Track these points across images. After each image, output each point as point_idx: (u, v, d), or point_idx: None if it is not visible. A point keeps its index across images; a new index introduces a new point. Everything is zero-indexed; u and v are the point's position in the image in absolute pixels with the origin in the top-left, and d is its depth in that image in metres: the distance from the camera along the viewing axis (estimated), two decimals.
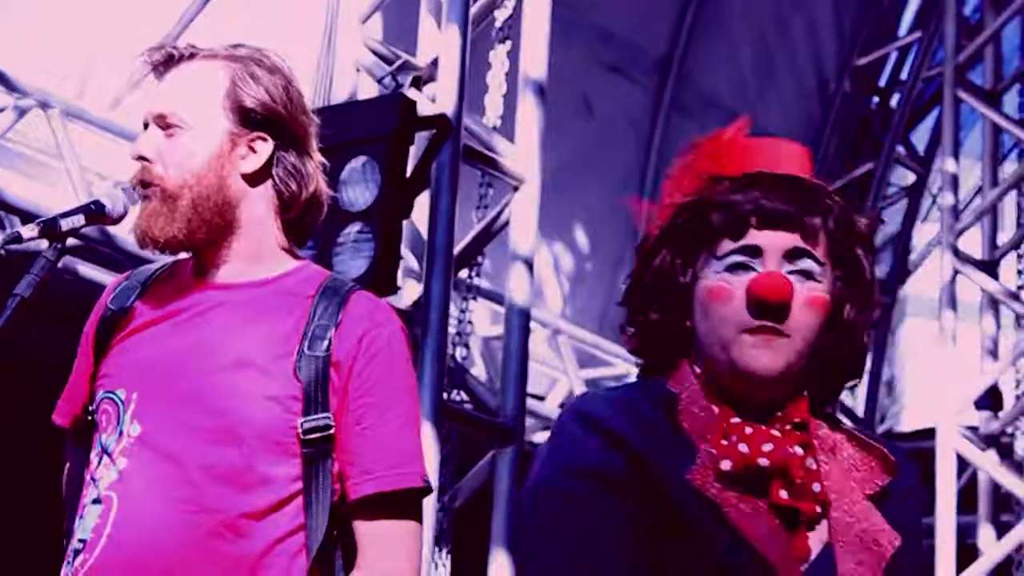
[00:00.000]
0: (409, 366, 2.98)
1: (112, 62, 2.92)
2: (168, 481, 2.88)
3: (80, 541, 2.91)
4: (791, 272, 2.42)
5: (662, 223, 2.55)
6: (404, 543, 2.90)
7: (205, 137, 2.97)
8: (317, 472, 2.89)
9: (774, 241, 2.44)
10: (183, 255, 3.03)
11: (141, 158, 2.94)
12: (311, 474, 2.89)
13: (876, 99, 12.22)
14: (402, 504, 2.90)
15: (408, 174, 5.94)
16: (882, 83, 12.26)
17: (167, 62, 3.01)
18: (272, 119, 2.98)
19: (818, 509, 2.39)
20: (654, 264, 2.53)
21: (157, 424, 2.90)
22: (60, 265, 2.93)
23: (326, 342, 2.90)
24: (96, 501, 2.92)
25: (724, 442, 2.41)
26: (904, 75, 12.20)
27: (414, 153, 6.04)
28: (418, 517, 2.94)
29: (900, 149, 12.22)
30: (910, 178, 12.40)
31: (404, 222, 6.06)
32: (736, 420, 2.43)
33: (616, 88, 10.44)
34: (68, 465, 3.10)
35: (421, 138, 6.04)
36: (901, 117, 12.11)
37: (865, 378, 12.12)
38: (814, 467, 2.41)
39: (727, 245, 2.45)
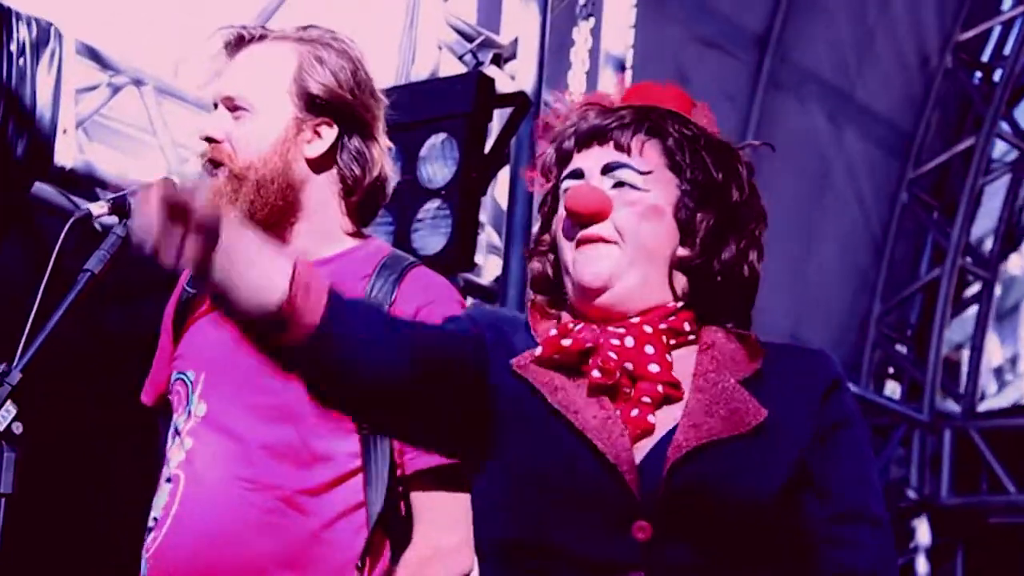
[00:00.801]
0: None
1: (205, 40, 2.95)
2: (230, 459, 2.93)
3: (153, 519, 2.98)
4: (612, 185, 2.44)
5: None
6: (456, 515, 2.88)
7: (271, 121, 3.01)
8: (374, 448, 2.93)
9: (589, 159, 2.47)
10: None
11: (209, 139, 2.99)
12: (368, 450, 2.93)
13: (979, 74, 12.07)
14: (457, 476, 2.88)
15: (487, 151, 5.93)
16: (985, 58, 12.12)
17: (238, 42, 3.06)
18: (337, 105, 3.02)
19: (660, 388, 2.36)
20: (543, 210, 2.59)
21: (220, 404, 2.96)
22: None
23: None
24: (168, 480, 2.98)
25: (552, 332, 2.42)
26: (1007, 50, 12.04)
27: (494, 130, 6.04)
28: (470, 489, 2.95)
29: (1003, 125, 12.06)
30: (1012, 155, 12.24)
31: (486, 198, 6.06)
32: (574, 324, 2.44)
33: (714, 64, 10.36)
34: (161, 442, 3.14)
35: (500, 115, 6.03)
36: (1004, 93, 11.94)
37: (965, 353, 12.04)
38: (658, 356, 2.39)
39: (562, 176, 2.50)
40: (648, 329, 2.42)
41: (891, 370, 11.91)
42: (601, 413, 2.33)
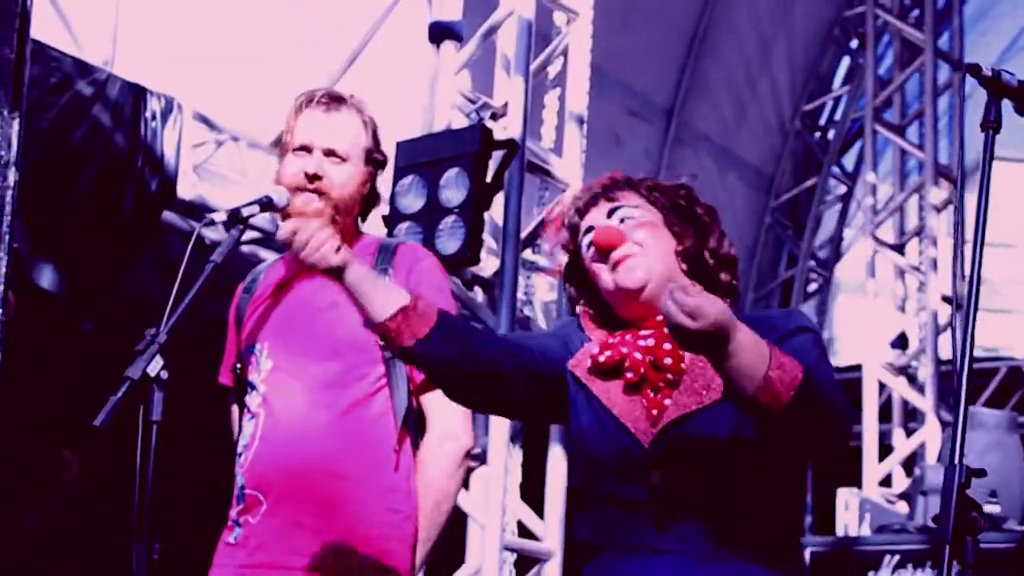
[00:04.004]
0: (444, 280, 3.02)
1: (281, 103, 2.92)
2: (295, 392, 2.90)
3: (242, 446, 2.94)
4: (618, 222, 2.45)
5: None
6: (455, 405, 2.83)
7: (355, 170, 3.00)
8: (394, 367, 2.91)
9: (593, 217, 2.49)
10: (265, 255, 3.20)
11: (315, 176, 2.95)
12: (390, 369, 2.91)
13: (818, 134, 12.00)
14: None
15: (488, 180, 5.80)
16: (822, 122, 12.06)
17: (328, 104, 3.01)
18: (378, 158, 3.07)
19: (668, 376, 2.34)
20: (567, 273, 2.56)
21: (282, 358, 2.94)
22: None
23: (387, 277, 2.91)
24: (251, 418, 2.94)
25: (594, 349, 2.42)
26: (837, 116, 12.01)
27: (492, 166, 5.90)
28: None
29: (835, 169, 12.04)
30: (841, 189, 12.19)
31: (486, 215, 5.96)
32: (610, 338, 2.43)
33: (636, 127, 10.30)
34: (234, 413, 3.09)
35: (497, 155, 5.89)
36: (836, 146, 11.95)
37: None
38: (672, 351, 2.35)
39: (580, 239, 2.50)
40: (667, 329, 2.27)
41: None
42: (628, 400, 2.34)
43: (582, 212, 2.49)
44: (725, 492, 2.27)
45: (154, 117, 6.20)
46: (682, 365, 2.33)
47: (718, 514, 2.26)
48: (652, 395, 2.32)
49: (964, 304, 2.21)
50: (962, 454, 2.13)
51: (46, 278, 5.70)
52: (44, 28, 5.97)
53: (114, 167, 5.98)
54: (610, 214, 2.44)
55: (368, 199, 3.07)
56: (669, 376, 2.32)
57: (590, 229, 2.45)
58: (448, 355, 2.32)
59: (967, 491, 2.13)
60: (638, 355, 2.34)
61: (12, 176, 2.70)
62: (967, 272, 2.21)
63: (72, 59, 5.90)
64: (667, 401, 2.31)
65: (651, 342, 2.35)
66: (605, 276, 2.41)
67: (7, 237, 2.82)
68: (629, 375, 2.34)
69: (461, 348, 2.33)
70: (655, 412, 2.31)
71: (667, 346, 2.33)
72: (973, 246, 2.21)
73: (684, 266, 2.42)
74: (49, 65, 5.72)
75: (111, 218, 5.96)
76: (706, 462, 2.27)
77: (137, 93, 6.10)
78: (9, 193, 2.76)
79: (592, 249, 2.43)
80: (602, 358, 2.37)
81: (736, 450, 2.27)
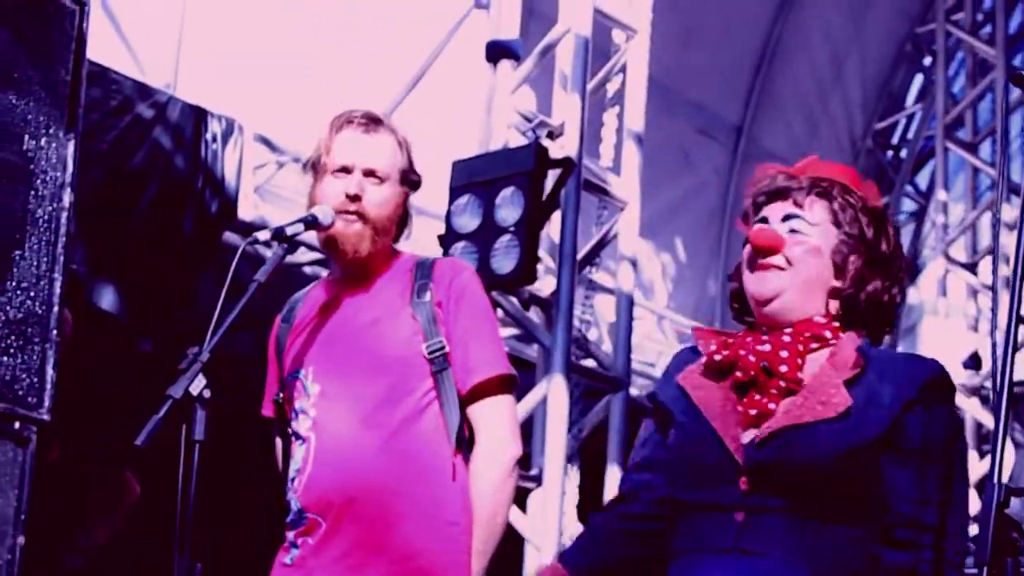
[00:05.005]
0: (485, 296, 3.02)
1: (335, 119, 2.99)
2: (345, 414, 2.89)
3: (294, 471, 2.93)
4: (787, 231, 2.41)
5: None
6: (504, 414, 2.93)
7: (393, 190, 2.99)
8: (443, 380, 2.89)
9: (773, 210, 2.45)
10: (323, 274, 3.20)
11: (356, 197, 2.93)
12: (439, 382, 2.89)
13: (890, 153, 11.81)
14: (497, 387, 2.92)
15: (544, 199, 5.80)
16: (894, 141, 11.84)
17: (368, 124, 3.00)
18: (413, 179, 3.05)
19: (782, 383, 2.32)
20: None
21: (328, 381, 2.93)
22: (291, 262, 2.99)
23: (428, 292, 2.93)
24: (301, 443, 2.93)
25: (712, 347, 2.43)
26: (910, 135, 11.77)
27: (548, 185, 5.90)
28: (510, 393, 2.96)
29: (908, 188, 11.82)
30: (914, 207, 11.96)
31: (544, 234, 5.96)
32: (728, 339, 2.43)
33: (705, 145, 10.19)
34: (279, 444, 3.08)
35: (553, 174, 5.89)
36: (908, 165, 11.72)
37: None
38: (789, 359, 2.34)
39: (752, 222, 2.48)
40: (787, 338, 2.34)
41: None
42: (725, 405, 2.33)
43: (769, 196, 2.45)
44: (813, 505, 2.27)
45: (215, 139, 6.26)
46: (800, 375, 2.33)
47: (801, 523, 2.25)
48: (757, 397, 2.32)
49: (1007, 322, 2.15)
50: (1000, 472, 2.08)
51: (106, 299, 5.76)
52: (107, 52, 6.06)
53: (174, 189, 6.05)
54: (785, 219, 2.42)
55: (403, 220, 3.06)
56: (782, 383, 2.32)
57: (763, 220, 2.43)
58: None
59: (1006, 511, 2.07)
60: (752, 358, 2.34)
61: (68, 197, 2.72)
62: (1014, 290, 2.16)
63: (133, 81, 5.98)
64: (772, 405, 2.30)
65: (767, 347, 2.35)
66: (746, 272, 2.43)
67: (62, 258, 2.84)
68: (739, 374, 2.34)
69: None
70: (754, 413, 2.31)
71: (784, 354, 2.34)
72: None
73: (832, 302, 2.41)
74: (110, 88, 5.79)
75: (171, 239, 6.02)
76: (800, 476, 2.26)
77: (198, 115, 6.17)
78: (64, 214, 2.78)
79: (748, 244, 2.42)
80: (718, 357, 2.37)
81: (833, 470, 2.26)
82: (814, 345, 2.36)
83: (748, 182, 2.54)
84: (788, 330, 2.36)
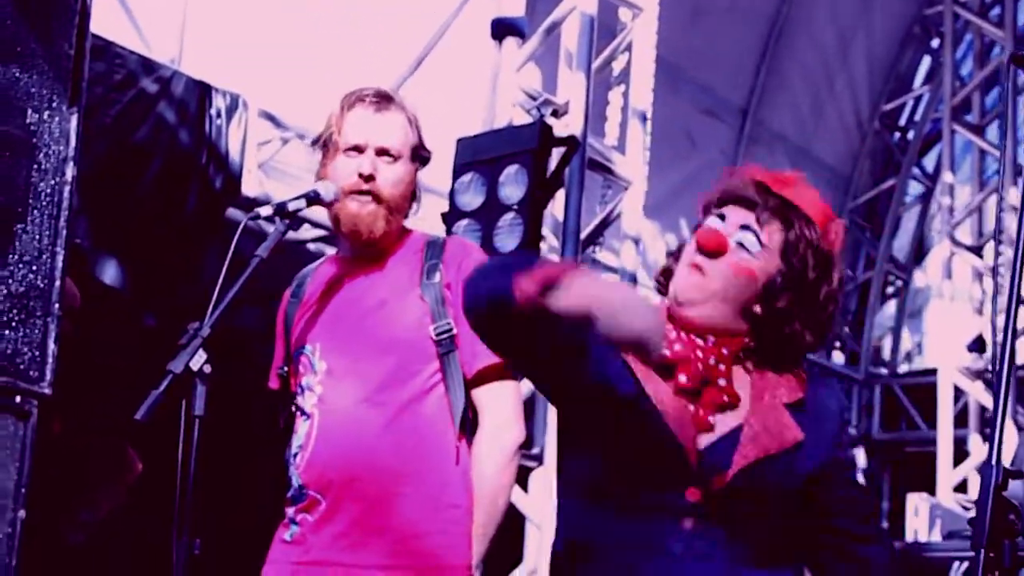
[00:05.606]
0: None
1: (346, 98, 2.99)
2: (350, 392, 2.88)
3: (297, 447, 2.93)
4: (737, 241, 2.37)
5: None
6: (508, 398, 2.94)
7: (406, 168, 2.97)
8: (450, 363, 2.89)
9: (735, 213, 2.39)
10: (329, 252, 3.19)
11: (369, 177, 2.92)
12: (445, 365, 2.89)
13: (897, 134, 11.77)
14: (502, 371, 2.90)
15: (548, 177, 5.77)
16: (902, 122, 11.81)
17: (380, 102, 2.97)
18: (423, 155, 3.04)
19: (725, 398, 2.32)
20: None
21: (336, 359, 2.92)
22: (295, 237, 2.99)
23: (438, 273, 2.91)
24: (306, 419, 2.92)
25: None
26: (917, 117, 11.76)
27: (552, 163, 5.87)
28: (515, 378, 2.95)
29: (915, 170, 11.81)
30: (921, 190, 11.97)
31: (548, 212, 5.94)
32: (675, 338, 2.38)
33: (710, 126, 10.16)
34: (284, 415, 3.08)
35: (557, 152, 5.86)
36: (915, 147, 11.71)
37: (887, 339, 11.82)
38: (726, 372, 2.34)
39: (712, 212, 2.43)
40: (725, 351, 2.32)
41: (837, 344, 11.68)
42: (679, 407, 2.30)
43: (738, 198, 2.39)
44: (762, 525, 2.32)
45: (219, 114, 6.25)
46: (735, 390, 2.34)
47: (749, 536, 2.30)
48: (699, 410, 2.31)
49: (1007, 305, 2.15)
50: (1000, 455, 2.08)
51: (109, 273, 5.76)
52: (112, 26, 6.05)
53: (178, 164, 6.04)
54: (743, 227, 2.37)
55: (412, 196, 3.05)
56: (725, 399, 2.32)
57: (721, 217, 2.39)
58: None
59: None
60: (700, 365, 2.32)
61: (70, 171, 2.71)
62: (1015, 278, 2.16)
63: (137, 56, 5.97)
64: (711, 418, 2.31)
65: (712, 360, 2.34)
66: (681, 268, 2.39)
67: (65, 232, 2.84)
68: (683, 379, 2.31)
69: None
70: (703, 428, 2.30)
71: (722, 367, 2.35)
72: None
73: (745, 324, 2.37)
74: (114, 62, 5.78)
75: (175, 215, 6.02)
76: (758, 500, 2.30)
77: (202, 90, 6.16)
78: (67, 188, 2.78)
79: (694, 239, 2.39)
80: (668, 352, 2.32)
81: (793, 497, 2.34)
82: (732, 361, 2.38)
83: (727, 170, 2.51)
84: (712, 339, 2.34)
